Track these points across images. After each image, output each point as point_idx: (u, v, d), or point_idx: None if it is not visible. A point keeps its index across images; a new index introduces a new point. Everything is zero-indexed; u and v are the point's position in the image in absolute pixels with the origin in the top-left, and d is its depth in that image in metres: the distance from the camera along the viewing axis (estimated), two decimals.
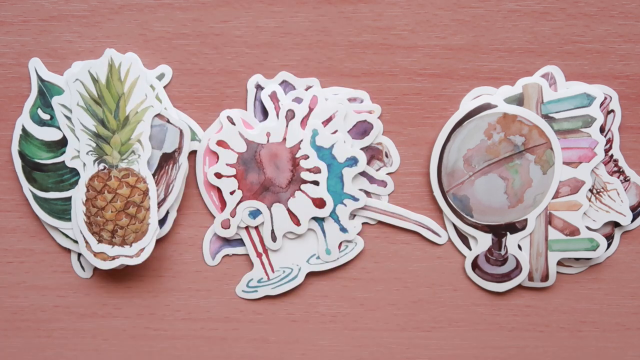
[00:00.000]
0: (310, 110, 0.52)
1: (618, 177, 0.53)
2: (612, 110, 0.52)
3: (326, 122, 0.52)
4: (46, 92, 0.52)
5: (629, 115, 0.52)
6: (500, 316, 0.54)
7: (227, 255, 0.54)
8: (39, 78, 0.52)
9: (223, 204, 0.53)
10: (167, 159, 0.51)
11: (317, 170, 0.52)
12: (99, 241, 0.51)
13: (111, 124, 0.50)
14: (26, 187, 0.52)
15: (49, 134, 0.52)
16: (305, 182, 0.52)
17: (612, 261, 0.54)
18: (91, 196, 0.51)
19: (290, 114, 0.51)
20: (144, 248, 0.51)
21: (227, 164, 0.52)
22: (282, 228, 0.52)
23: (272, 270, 0.53)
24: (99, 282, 0.54)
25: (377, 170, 0.53)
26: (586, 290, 0.54)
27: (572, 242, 0.52)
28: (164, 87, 0.52)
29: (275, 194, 0.52)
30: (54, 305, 0.54)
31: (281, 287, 0.54)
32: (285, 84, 0.52)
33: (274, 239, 0.53)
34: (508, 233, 0.53)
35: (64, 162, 0.52)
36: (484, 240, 0.53)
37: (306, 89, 0.52)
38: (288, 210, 0.52)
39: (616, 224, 0.53)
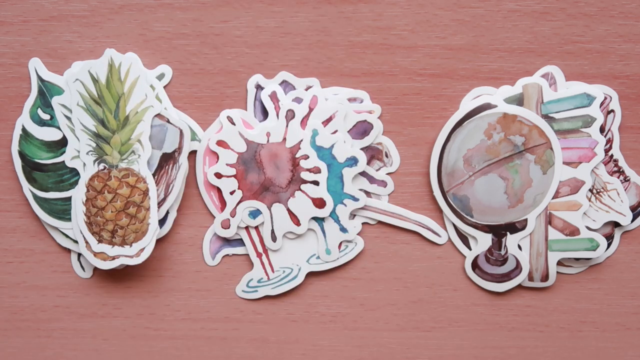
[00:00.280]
0: (310, 110, 0.52)
1: (618, 177, 0.53)
2: (612, 110, 0.52)
3: (326, 122, 0.52)
4: (46, 92, 0.52)
5: (629, 115, 0.52)
6: (500, 316, 0.54)
7: (227, 255, 0.54)
8: (39, 78, 0.52)
9: (223, 204, 0.53)
10: (167, 159, 0.51)
11: (317, 170, 0.52)
12: (99, 241, 0.51)
13: (111, 124, 0.50)
14: (26, 187, 0.52)
15: (49, 134, 0.52)
16: (305, 182, 0.52)
17: (612, 261, 0.54)
18: (91, 196, 0.51)
19: (290, 114, 0.51)
20: (144, 248, 0.51)
21: (227, 164, 0.52)
22: (282, 228, 0.52)
23: (272, 270, 0.53)
24: (99, 282, 0.54)
25: (377, 170, 0.53)
26: (586, 290, 0.54)
27: (572, 242, 0.52)
28: (164, 87, 0.52)
29: (275, 194, 0.52)
30: (54, 305, 0.54)
31: (281, 287, 0.54)
32: (285, 84, 0.52)
33: (274, 239, 0.53)
34: (508, 233, 0.53)
35: (64, 162, 0.52)
36: (484, 240, 0.53)
37: (306, 89, 0.52)
38: (288, 210, 0.52)
39: (616, 224, 0.53)
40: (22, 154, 0.52)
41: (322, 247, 0.53)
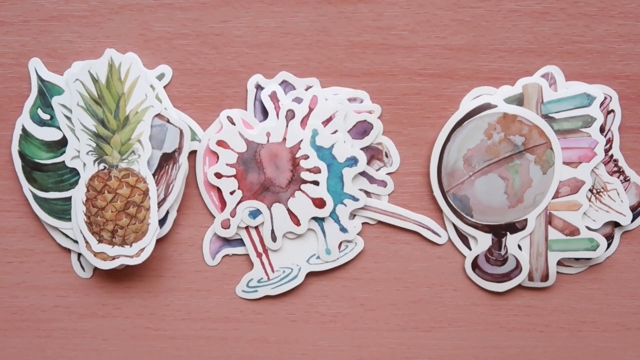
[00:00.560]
0: (310, 110, 0.52)
1: (618, 177, 0.53)
2: (612, 110, 0.52)
3: (326, 122, 0.52)
4: (46, 92, 0.52)
5: (629, 115, 0.52)
6: (500, 316, 0.54)
7: (227, 255, 0.54)
8: (39, 78, 0.52)
9: (223, 204, 0.53)
10: (167, 159, 0.51)
11: (317, 170, 0.52)
12: (99, 241, 0.51)
13: (111, 124, 0.50)
14: (26, 187, 0.52)
15: (49, 134, 0.52)
16: (305, 182, 0.52)
17: (612, 261, 0.54)
18: (91, 196, 0.51)
19: (290, 114, 0.51)
20: (144, 248, 0.51)
21: (227, 164, 0.52)
22: (282, 228, 0.52)
23: (272, 270, 0.53)
24: (99, 282, 0.54)
25: (377, 170, 0.53)
26: (586, 290, 0.54)
27: (572, 242, 0.52)
28: (164, 87, 0.52)
29: (275, 194, 0.52)
30: (54, 305, 0.54)
31: (281, 287, 0.54)
32: (285, 84, 0.52)
33: (274, 239, 0.53)
34: (508, 233, 0.53)
35: (64, 162, 0.52)
36: (484, 240, 0.53)
37: (306, 89, 0.52)
38: (288, 210, 0.52)
39: (616, 224, 0.53)
40: (22, 154, 0.52)
41: (322, 247, 0.53)
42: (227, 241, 0.54)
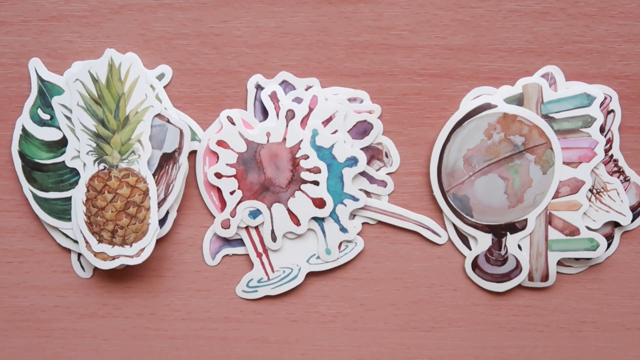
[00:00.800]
0: (310, 110, 0.52)
1: (618, 177, 0.53)
2: (612, 110, 0.52)
3: (326, 122, 0.52)
4: (46, 92, 0.52)
5: (629, 115, 0.52)
6: (500, 316, 0.54)
7: (227, 255, 0.54)
8: (39, 78, 0.52)
9: (223, 204, 0.53)
10: (167, 159, 0.51)
11: (317, 170, 0.52)
12: (99, 241, 0.51)
13: (111, 124, 0.50)
14: (26, 187, 0.52)
15: (49, 134, 0.52)
16: (305, 182, 0.52)
17: (612, 261, 0.54)
18: (91, 196, 0.51)
19: (290, 114, 0.51)
20: (144, 248, 0.51)
21: (227, 164, 0.52)
22: (282, 228, 0.52)
23: (272, 270, 0.53)
24: (99, 282, 0.54)
25: (377, 170, 0.53)
26: (586, 290, 0.54)
27: (572, 242, 0.52)
28: (164, 87, 0.52)
29: (275, 194, 0.52)
30: (54, 305, 0.54)
31: (281, 287, 0.54)
32: (285, 84, 0.52)
33: (274, 239, 0.53)
34: (508, 233, 0.53)
35: (64, 162, 0.52)
36: (484, 240, 0.53)
37: (306, 89, 0.52)
38: (288, 210, 0.52)
39: (616, 224, 0.53)
40: (22, 154, 0.52)
41: (322, 247, 0.53)
42: (227, 241, 0.54)
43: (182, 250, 0.54)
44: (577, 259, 0.53)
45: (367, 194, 0.53)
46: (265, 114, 0.52)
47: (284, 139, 0.52)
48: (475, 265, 0.53)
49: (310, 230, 0.53)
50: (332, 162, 0.52)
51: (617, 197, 0.52)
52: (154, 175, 0.51)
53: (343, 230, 0.53)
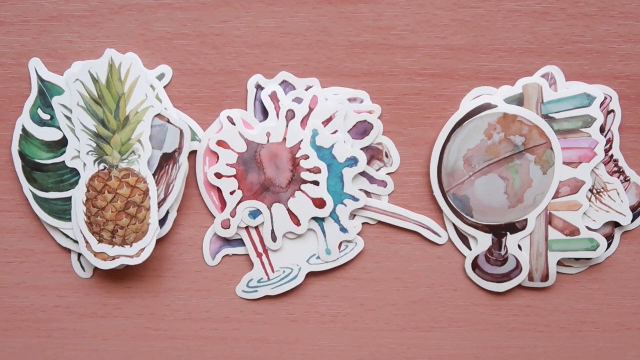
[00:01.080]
0: (310, 110, 0.52)
1: (618, 177, 0.53)
2: (612, 110, 0.52)
3: (326, 122, 0.52)
4: (46, 92, 0.52)
5: (629, 115, 0.52)
6: (500, 316, 0.54)
7: (227, 255, 0.54)
8: (39, 78, 0.52)
9: (223, 204, 0.53)
10: (167, 159, 0.51)
11: (317, 170, 0.52)
12: (99, 241, 0.51)
13: (111, 124, 0.50)
14: (26, 187, 0.52)
15: (49, 134, 0.52)
16: (305, 182, 0.52)
17: (612, 261, 0.54)
18: (91, 196, 0.51)
19: (290, 114, 0.51)
20: (144, 248, 0.51)
21: (227, 164, 0.52)
22: (282, 228, 0.52)
23: (272, 270, 0.53)
24: (99, 282, 0.54)
25: (377, 170, 0.53)
26: (586, 290, 0.54)
27: (572, 242, 0.52)
28: (164, 87, 0.52)
29: (275, 194, 0.52)
30: (54, 305, 0.54)
31: (281, 287, 0.54)
32: (285, 84, 0.52)
33: (274, 239, 0.53)
34: (508, 233, 0.53)
35: (64, 162, 0.52)
36: (484, 240, 0.53)
37: (306, 89, 0.52)
38: (288, 210, 0.52)
39: (616, 224, 0.53)
40: (22, 154, 0.52)
41: (322, 247, 0.53)
42: (227, 241, 0.54)
43: (182, 250, 0.54)
44: (577, 259, 0.53)
45: (367, 194, 0.53)
46: (265, 114, 0.52)
47: (284, 139, 0.52)
48: (475, 265, 0.53)
49: (310, 230, 0.53)
50: (332, 162, 0.52)
51: (617, 197, 0.52)
52: (154, 175, 0.51)
53: (343, 230, 0.53)
